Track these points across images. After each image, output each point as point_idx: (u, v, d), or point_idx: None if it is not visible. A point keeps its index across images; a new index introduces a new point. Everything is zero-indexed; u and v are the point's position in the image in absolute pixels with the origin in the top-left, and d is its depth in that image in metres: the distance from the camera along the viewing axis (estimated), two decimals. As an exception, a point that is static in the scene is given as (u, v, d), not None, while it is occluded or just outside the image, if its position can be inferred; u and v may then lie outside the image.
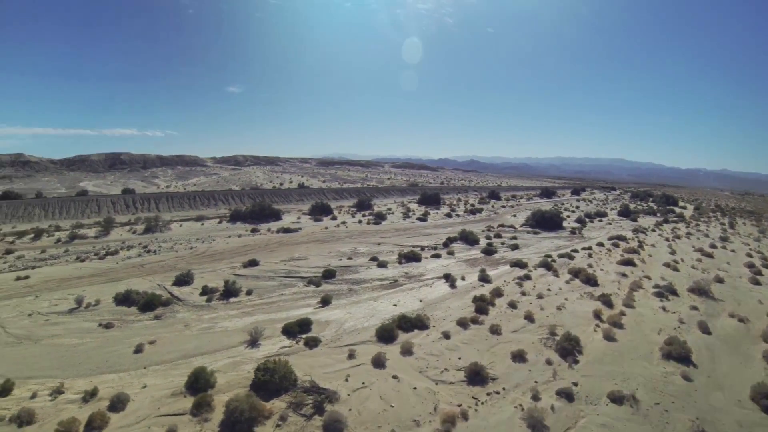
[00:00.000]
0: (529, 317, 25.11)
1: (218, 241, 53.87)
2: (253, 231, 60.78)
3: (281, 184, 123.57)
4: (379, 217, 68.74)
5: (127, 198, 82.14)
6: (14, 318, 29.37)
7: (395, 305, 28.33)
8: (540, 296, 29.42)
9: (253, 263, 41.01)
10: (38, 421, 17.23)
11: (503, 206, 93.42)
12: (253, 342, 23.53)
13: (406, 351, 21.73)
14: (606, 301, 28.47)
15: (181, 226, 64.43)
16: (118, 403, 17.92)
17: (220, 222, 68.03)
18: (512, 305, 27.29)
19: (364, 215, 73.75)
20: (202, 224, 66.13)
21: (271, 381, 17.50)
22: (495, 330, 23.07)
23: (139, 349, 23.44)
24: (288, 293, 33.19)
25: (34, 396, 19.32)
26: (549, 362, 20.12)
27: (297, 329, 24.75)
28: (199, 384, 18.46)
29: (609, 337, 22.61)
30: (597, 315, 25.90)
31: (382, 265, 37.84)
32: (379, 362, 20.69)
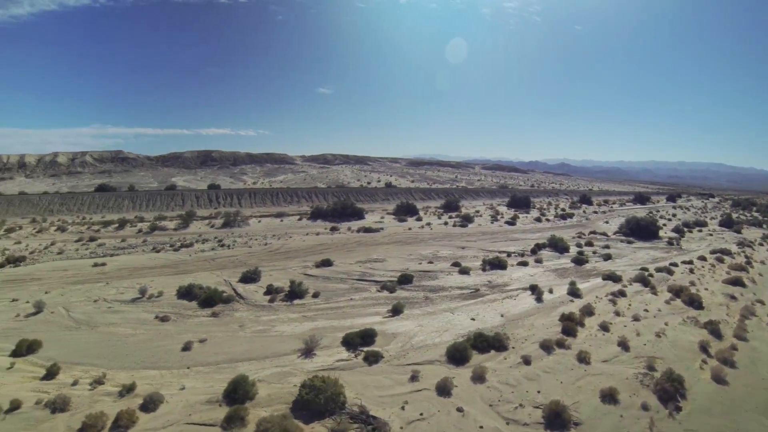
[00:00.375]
0: (624, 344, 23.77)
1: (294, 239, 56.22)
2: (333, 229, 62.74)
3: (369, 183, 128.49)
4: (466, 220, 69.67)
5: (211, 193, 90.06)
6: (80, 302, 32.34)
7: (473, 319, 28.13)
8: (636, 318, 27.94)
9: (326, 263, 41.62)
10: (71, 409, 17.91)
11: (595, 212, 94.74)
12: (308, 351, 22.26)
13: (478, 377, 19.94)
14: (714, 330, 26.39)
15: (259, 221, 68.68)
16: (150, 403, 17.79)
17: (300, 219, 71.55)
18: (604, 327, 26.08)
19: (450, 217, 76.06)
20: (281, 221, 70.11)
21: (315, 401, 15.80)
22: (583, 358, 21.76)
23: (187, 347, 23.68)
24: (358, 298, 32.53)
25: (75, 383, 20.39)
26: (645, 407, 18.30)
27: (359, 340, 23.12)
28: (237, 394, 17.53)
29: (719, 379, 20.41)
30: (704, 347, 24.03)
31: (464, 271, 38.37)
32: (444, 389, 18.89)
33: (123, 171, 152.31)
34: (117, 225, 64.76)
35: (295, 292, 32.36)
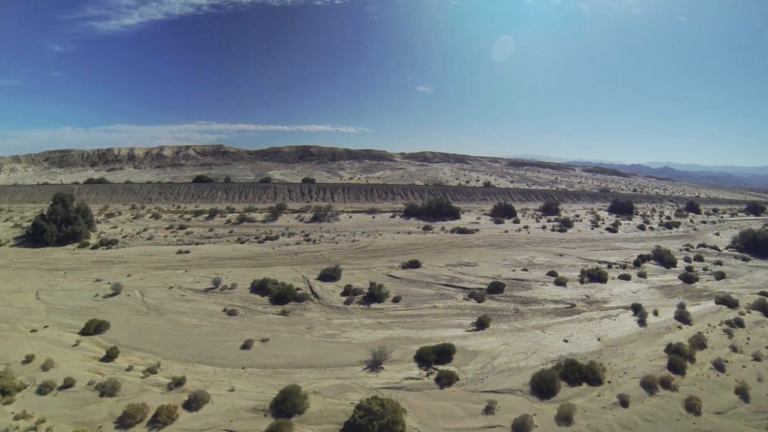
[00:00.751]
0: (742, 392, 20.99)
1: (384, 237, 56.42)
2: (425, 229, 62.83)
3: (467, 182, 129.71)
4: (565, 224, 69.19)
5: (304, 186, 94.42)
6: (156, 288, 34.83)
7: (566, 341, 26.05)
8: (757, 357, 25.15)
9: (413, 264, 41.02)
10: (119, 395, 18.89)
11: (703, 221, 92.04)
12: (375, 364, 20.87)
13: (564, 418, 17.71)
14: None
15: (350, 217, 70.23)
16: (194, 402, 17.90)
17: (392, 216, 72.28)
18: (718, 366, 23.65)
19: (549, 220, 76.53)
20: (373, 217, 71.40)
21: (368, 427, 14.22)
22: (692, 405, 19.39)
23: (247, 345, 23.85)
24: (441, 306, 31.11)
25: (130, 368, 21.62)
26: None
27: (434, 357, 21.22)
28: (285, 406, 16.81)
29: None
30: None
31: (561, 282, 38.04)
32: (522, 429, 16.84)
33: (223, 164, 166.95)
34: (207, 215, 69.83)
35: (373, 295, 31.49)
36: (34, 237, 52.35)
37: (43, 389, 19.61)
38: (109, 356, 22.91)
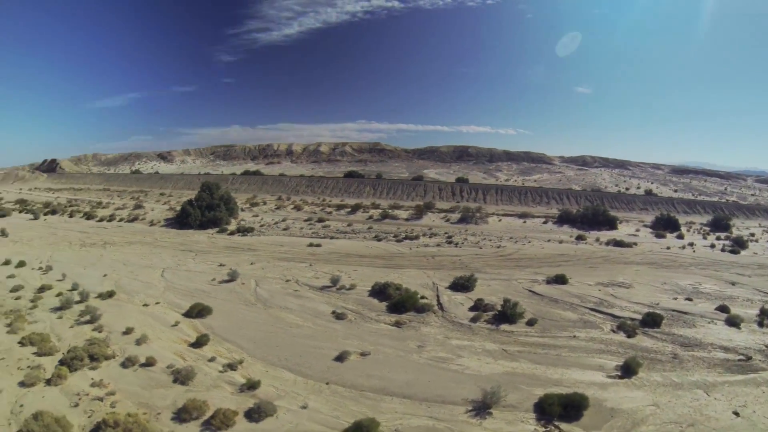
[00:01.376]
0: None
1: (533, 244, 52.24)
2: (578, 238, 57.25)
3: (627, 189, 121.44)
4: (738, 244, 61.78)
5: (455, 186, 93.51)
6: (273, 279, 35.66)
7: (736, 414, 18.99)
8: None
9: (560, 280, 36.31)
10: (189, 385, 19.15)
11: None
12: (483, 407, 17.36)
13: None
14: None
15: (500, 220, 67.36)
16: (257, 413, 16.88)
17: (545, 222, 68.22)
18: None
19: (718, 238, 68.09)
20: (524, 222, 68.06)
21: None
22: None
23: (342, 357, 22.24)
24: (582, 337, 25.85)
25: (212, 359, 21.80)
26: None
27: (558, 410, 16.86)
28: None
29: None
30: None
31: (733, 322, 30.51)
32: None
33: (378, 161, 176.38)
34: (350, 209, 71.69)
35: (506, 314, 27.66)
36: (180, 220, 59.53)
37: (127, 363, 21.19)
38: (198, 343, 23.56)
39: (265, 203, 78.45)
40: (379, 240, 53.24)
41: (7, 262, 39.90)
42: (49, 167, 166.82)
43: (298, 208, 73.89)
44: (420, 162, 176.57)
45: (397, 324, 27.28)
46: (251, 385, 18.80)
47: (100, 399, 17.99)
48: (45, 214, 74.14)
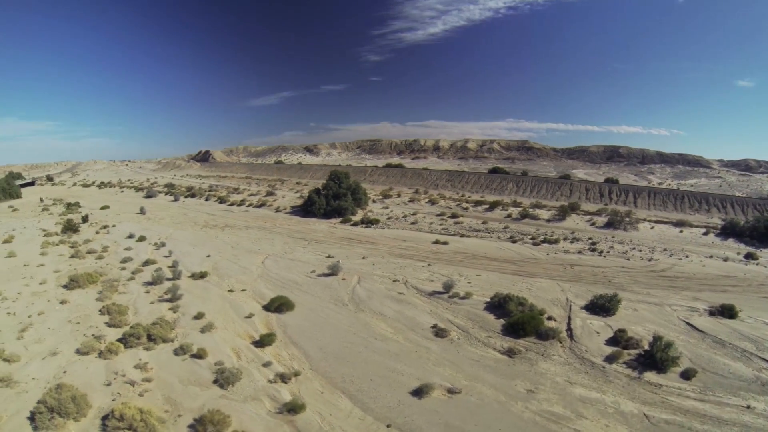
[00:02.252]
0: None
1: (691, 260, 40.79)
2: (748, 257, 42.77)
3: None
4: None
5: (603, 186, 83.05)
6: (380, 277, 31.28)
7: None
8: None
9: (727, 312, 25.88)
10: (228, 390, 16.78)
11: None
12: None
13: None
14: None
15: (652, 228, 55.94)
16: None
17: (705, 233, 54.48)
18: None
19: None
20: (681, 231, 55.43)
21: None
22: None
23: (422, 391, 17.01)
24: (760, 408, 16.76)
25: (268, 364, 18.90)
26: None
27: None
28: None
29: None
30: None
31: None
32: None
33: (526, 159, 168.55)
34: (488, 206, 65.79)
35: (654, 357, 19.49)
36: (305, 208, 59.02)
37: (179, 351, 19.82)
38: (262, 342, 20.63)
39: (399, 195, 75.30)
40: (514, 241, 46.26)
41: (130, 236, 42.80)
42: (203, 157, 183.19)
43: (432, 202, 69.20)
44: (568, 162, 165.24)
45: (510, 353, 20.83)
46: (293, 408, 14.90)
47: (132, 384, 17.04)
48: (185, 197, 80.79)
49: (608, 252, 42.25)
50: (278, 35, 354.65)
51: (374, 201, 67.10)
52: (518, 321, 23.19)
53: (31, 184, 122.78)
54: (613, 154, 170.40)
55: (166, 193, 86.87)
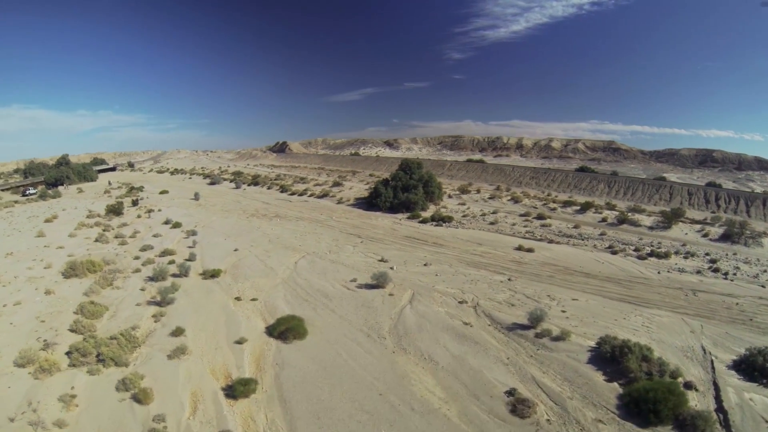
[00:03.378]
0: None
1: None
2: None
3: None
4: None
5: (709, 191, 69.87)
6: (441, 296, 23.19)
7: None
8: None
9: None
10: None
11: None
12: None
13: None
14: None
15: None
16: None
17: None
18: None
19: None
20: None
21: None
22: None
23: None
24: None
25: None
26: None
27: None
28: None
29: None
30: None
31: None
32: None
33: (613, 161, 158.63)
34: (579, 208, 55.33)
35: None
36: (370, 200, 51.81)
37: (121, 386, 14.87)
38: (233, 391, 13.57)
39: (478, 192, 66.69)
40: (614, 252, 35.84)
41: (166, 222, 38.78)
42: (280, 148, 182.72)
43: (515, 200, 59.50)
44: (658, 165, 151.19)
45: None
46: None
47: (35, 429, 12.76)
48: (248, 185, 78.05)
49: (734, 274, 30.63)
50: (363, 33, 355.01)
51: (450, 196, 58.85)
52: (646, 395, 13.87)
53: (113, 169, 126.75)
54: (705, 158, 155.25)
55: (231, 181, 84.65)
